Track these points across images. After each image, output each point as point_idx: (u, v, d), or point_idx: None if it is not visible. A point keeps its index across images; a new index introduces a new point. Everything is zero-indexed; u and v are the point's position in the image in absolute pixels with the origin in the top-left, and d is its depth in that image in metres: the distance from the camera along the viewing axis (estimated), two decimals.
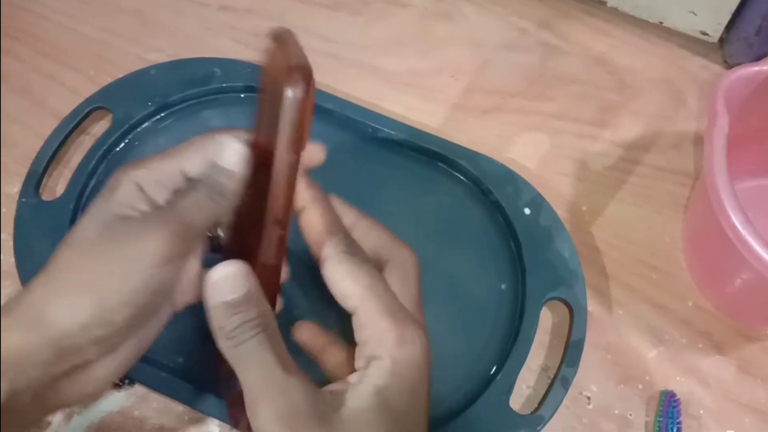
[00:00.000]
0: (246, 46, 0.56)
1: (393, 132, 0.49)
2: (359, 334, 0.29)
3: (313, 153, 0.33)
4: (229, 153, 0.32)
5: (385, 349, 0.28)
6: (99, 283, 0.29)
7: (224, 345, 0.28)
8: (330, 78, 0.54)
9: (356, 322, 0.29)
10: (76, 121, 0.50)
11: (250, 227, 0.32)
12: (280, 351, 0.28)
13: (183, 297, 0.33)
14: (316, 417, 0.27)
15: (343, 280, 0.30)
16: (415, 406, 0.29)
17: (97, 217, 0.30)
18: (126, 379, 0.43)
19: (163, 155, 0.32)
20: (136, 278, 0.29)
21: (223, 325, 0.28)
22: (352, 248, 0.31)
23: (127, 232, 0.29)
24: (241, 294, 0.29)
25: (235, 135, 0.33)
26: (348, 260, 0.30)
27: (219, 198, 0.31)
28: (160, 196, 0.32)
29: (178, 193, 0.32)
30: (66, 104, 0.51)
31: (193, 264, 0.33)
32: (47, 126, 0.50)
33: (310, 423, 0.27)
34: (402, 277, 0.31)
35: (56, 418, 0.42)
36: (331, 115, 0.50)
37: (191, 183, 0.32)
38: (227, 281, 0.29)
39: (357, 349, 0.30)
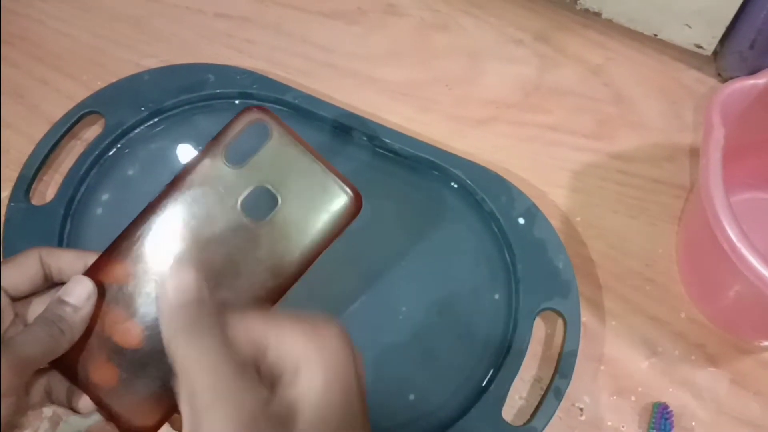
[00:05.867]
0: (241, 54, 0.56)
1: (388, 141, 0.49)
2: (281, 364, 0.27)
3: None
4: (79, 289, 0.31)
5: (302, 364, 0.27)
6: None
7: (173, 343, 0.27)
8: (327, 87, 0.54)
9: (272, 356, 0.28)
10: (68, 126, 0.49)
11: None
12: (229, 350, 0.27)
13: None
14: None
15: (253, 329, 0.28)
16: (344, 411, 0.27)
17: None
18: None
19: None
20: None
21: (174, 324, 0.27)
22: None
23: None
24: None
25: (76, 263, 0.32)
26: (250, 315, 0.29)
27: (59, 335, 0.30)
28: None
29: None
30: (60, 110, 0.51)
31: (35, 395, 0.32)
32: (41, 131, 0.50)
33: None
34: (323, 380, 0.27)
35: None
36: (327, 123, 0.50)
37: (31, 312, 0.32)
38: (180, 285, 0.28)
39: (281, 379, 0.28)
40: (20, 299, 0.32)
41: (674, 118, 0.54)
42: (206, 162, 0.32)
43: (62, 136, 0.49)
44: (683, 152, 0.52)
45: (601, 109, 0.54)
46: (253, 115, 0.31)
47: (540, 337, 0.45)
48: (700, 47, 0.53)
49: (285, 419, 0.26)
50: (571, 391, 0.42)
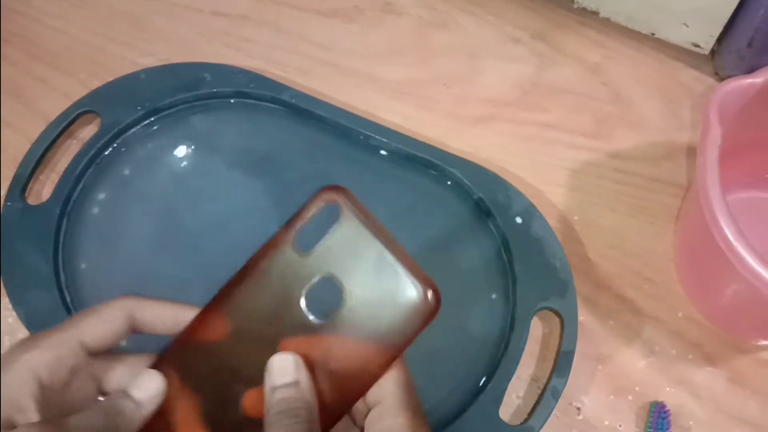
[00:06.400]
0: (239, 52, 0.56)
1: (385, 139, 0.49)
2: (376, 425, 0.29)
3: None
4: (148, 385, 0.29)
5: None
6: None
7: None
8: (325, 86, 0.54)
9: (376, 412, 0.29)
10: (64, 125, 0.49)
11: None
12: None
13: None
14: None
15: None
16: None
17: None
18: None
19: (60, 327, 0.29)
20: None
21: (269, 408, 0.28)
22: None
23: None
24: (290, 380, 0.28)
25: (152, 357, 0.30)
26: None
27: (113, 431, 0.29)
28: (58, 379, 0.29)
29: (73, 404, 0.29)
30: (58, 108, 0.50)
31: None
32: (38, 130, 0.49)
33: None
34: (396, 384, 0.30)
35: None
36: (324, 122, 0.50)
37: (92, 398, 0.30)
38: (281, 366, 0.28)
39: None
40: (99, 356, 0.30)
41: (672, 116, 0.53)
42: (276, 249, 0.29)
43: (58, 136, 0.49)
44: (681, 151, 0.52)
45: (599, 108, 0.54)
46: (327, 196, 0.29)
47: (537, 336, 0.45)
48: (698, 46, 0.53)
49: None
50: (568, 390, 0.42)
